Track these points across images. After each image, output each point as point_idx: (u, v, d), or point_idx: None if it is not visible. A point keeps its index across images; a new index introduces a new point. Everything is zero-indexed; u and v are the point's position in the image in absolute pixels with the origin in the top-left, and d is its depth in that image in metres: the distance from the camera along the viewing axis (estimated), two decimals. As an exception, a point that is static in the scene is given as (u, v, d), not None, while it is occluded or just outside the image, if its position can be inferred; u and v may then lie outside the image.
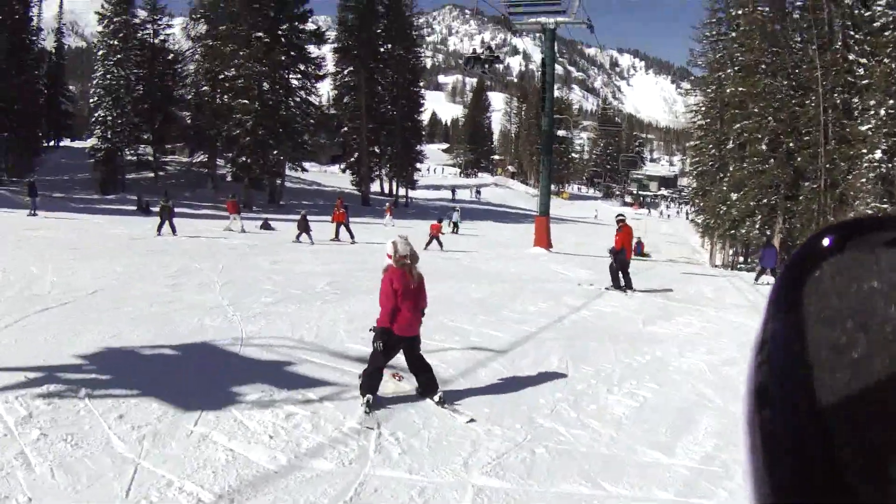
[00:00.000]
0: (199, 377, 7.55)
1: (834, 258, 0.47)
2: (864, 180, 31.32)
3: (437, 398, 7.00)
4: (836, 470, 0.42)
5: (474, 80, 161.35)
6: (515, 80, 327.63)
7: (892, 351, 0.42)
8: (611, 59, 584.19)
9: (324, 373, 7.89)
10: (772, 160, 37.36)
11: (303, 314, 11.17)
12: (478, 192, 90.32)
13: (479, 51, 31.95)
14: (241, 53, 50.44)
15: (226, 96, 52.22)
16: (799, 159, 36.54)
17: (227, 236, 27.54)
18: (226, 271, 15.81)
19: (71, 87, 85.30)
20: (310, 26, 57.55)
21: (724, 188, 41.60)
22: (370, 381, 6.90)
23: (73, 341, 8.53)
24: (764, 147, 37.74)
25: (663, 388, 8.21)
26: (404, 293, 6.90)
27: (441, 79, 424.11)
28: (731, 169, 41.77)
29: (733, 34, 43.93)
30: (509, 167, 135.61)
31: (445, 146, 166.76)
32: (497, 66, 34.10)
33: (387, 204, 51.97)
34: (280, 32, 53.28)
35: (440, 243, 28.29)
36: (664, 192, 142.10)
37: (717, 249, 50.06)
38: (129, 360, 8.07)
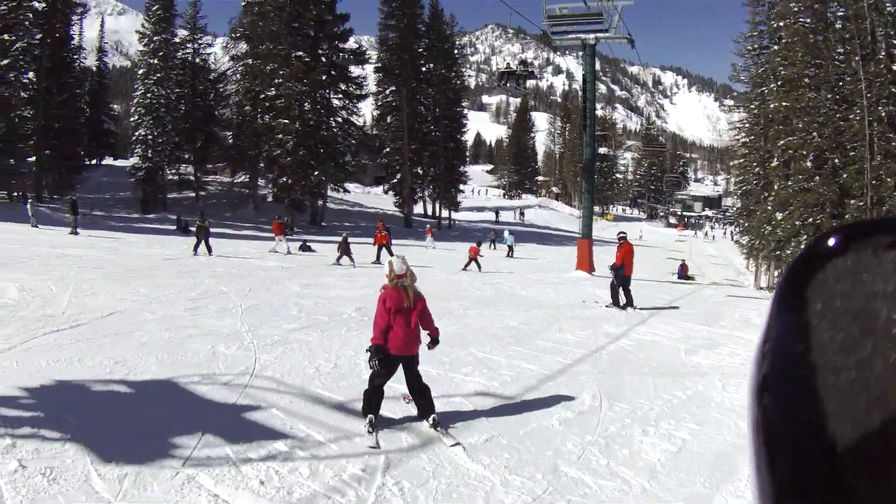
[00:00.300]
0: (198, 410, 7.08)
1: (838, 259, 0.48)
2: (911, 196, 30.28)
3: (431, 420, 6.92)
4: (836, 470, 0.42)
5: (518, 101, 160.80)
6: (559, 100, 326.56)
7: (894, 353, 0.43)
8: (653, 77, 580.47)
9: (333, 410, 7.38)
10: (817, 177, 36.25)
11: (324, 343, 10.67)
12: (521, 214, 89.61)
13: (512, 66, 31.64)
14: (282, 73, 50.54)
15: (266, 116, 52.21)
16: (845, 176, 35.39)
17: (263, 257, 27.15)
18: (252, 295, 15.37)
19: (115, 106, 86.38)
20: (351, 45, 57.59)
21: (769, 208, 40.49)
22: (371, 402, 6.86)
23: (75, 367, 8.20)
24: (809, 164, 36.65)
25: (703, 429, 7.56)
26: (397, 312, 6.88)
27: (485, 99, 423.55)
28: (775, 187, 40.68)
29: (775, 47, 42.92)
30: (553, 188, 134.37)
31: (489, 167, 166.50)
32: (531, 81, 33.76)
33: (427, 226, 51.56)
34: (321, 52, 53.38)
35: (479, 265, 27.92)
36: (708, 212, 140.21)
37: (762, 271, 48.81)
38: (129, 388, 7.67)
